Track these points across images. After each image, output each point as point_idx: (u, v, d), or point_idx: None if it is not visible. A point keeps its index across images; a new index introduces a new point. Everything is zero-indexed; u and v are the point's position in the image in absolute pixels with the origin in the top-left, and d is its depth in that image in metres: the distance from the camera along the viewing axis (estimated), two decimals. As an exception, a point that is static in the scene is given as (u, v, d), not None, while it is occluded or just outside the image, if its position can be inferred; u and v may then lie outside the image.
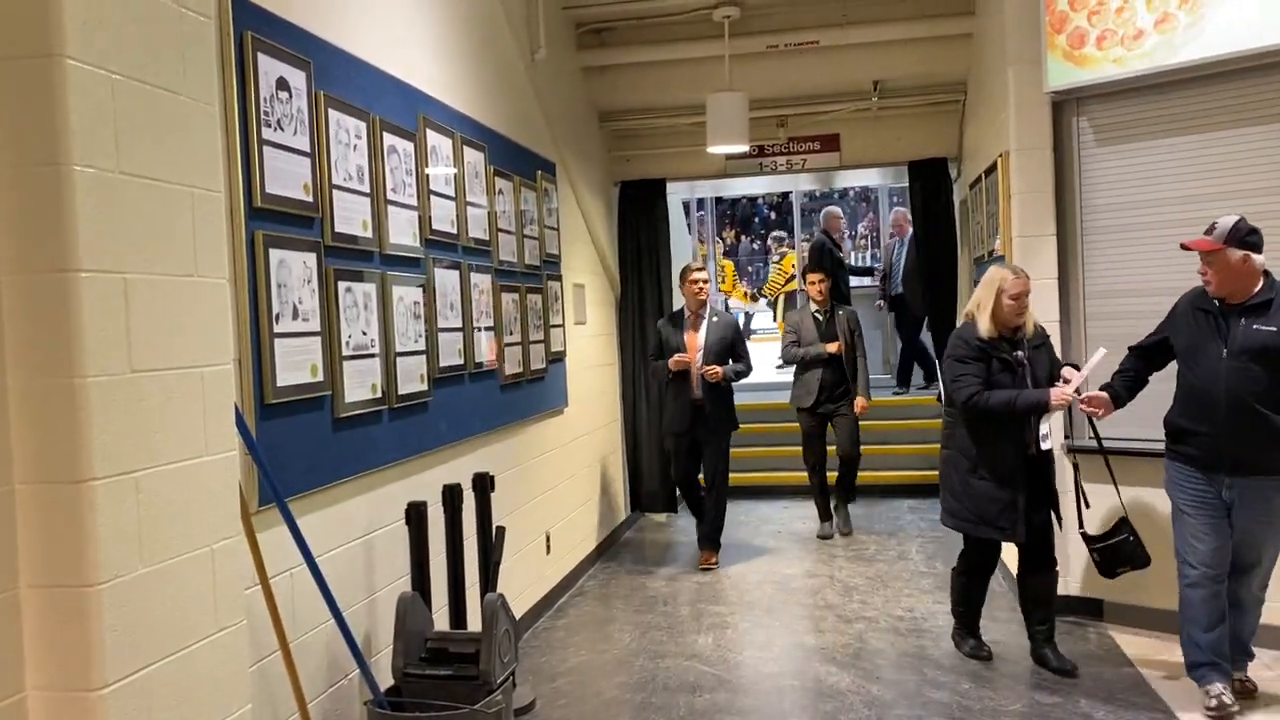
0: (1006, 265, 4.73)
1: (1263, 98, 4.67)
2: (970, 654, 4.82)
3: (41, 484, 2.10)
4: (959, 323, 7.64)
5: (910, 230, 9.78)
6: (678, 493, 7.56)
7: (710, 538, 6.79)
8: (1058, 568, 4.75)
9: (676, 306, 7.35)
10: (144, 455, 2.24)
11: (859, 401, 7.19)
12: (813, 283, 7.43)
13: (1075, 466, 4.81)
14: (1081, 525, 4.75)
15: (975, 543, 4.74)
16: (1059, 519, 4.68)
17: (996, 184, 5.64)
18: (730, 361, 6.65)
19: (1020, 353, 4.51)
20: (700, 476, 6.91)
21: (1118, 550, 4.59)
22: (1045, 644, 4.65)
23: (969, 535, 4.71)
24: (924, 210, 7.87)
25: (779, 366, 11.63)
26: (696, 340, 6.63)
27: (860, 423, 7.45)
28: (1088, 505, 4.70)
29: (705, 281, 6.75)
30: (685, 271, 6.78)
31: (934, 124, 7.72)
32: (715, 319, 6.70)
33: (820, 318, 7.27)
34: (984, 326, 4.52)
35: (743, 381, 6.98)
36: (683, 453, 6.83)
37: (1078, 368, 4.55)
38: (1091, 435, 4.72)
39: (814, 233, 14.23)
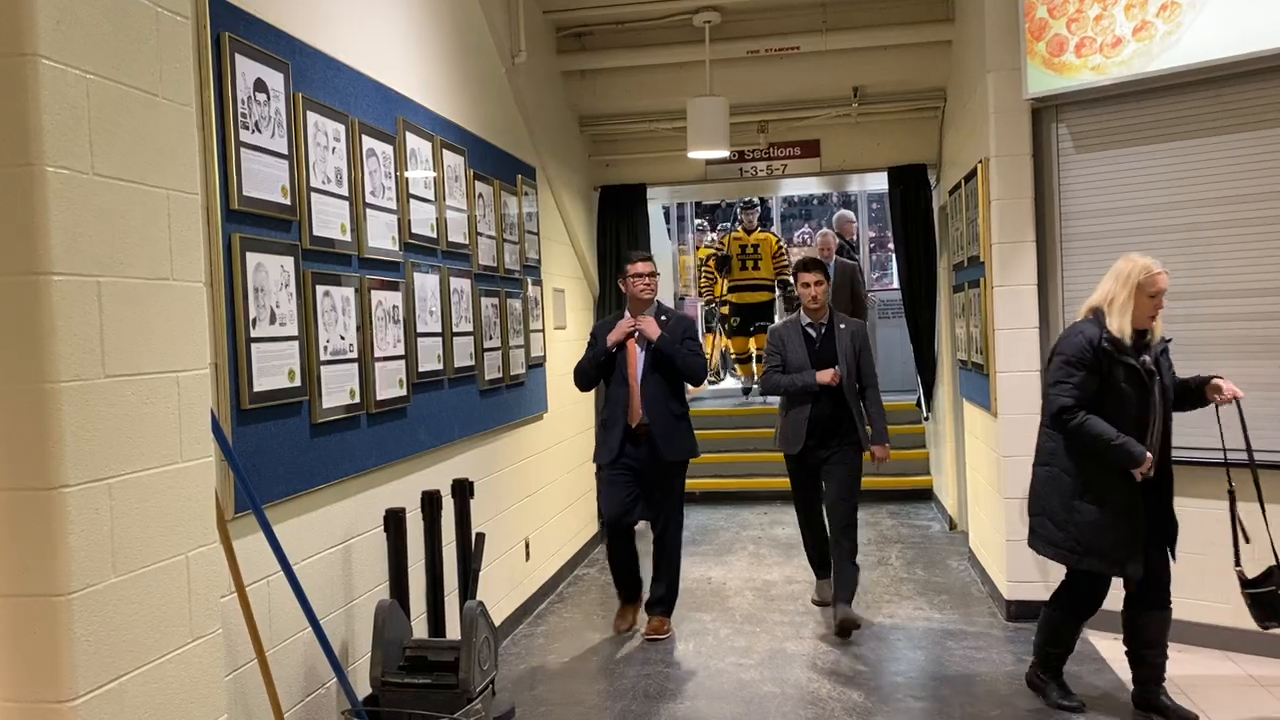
0: (1141, 255, 4.02)
1: (1240, 105, 4.70)
2: (1058, 703, 4.19)
3: (11, 491, 2.06)
4: (941, 327, 7.75)
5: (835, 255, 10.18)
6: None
7: (664, 601, 5.41)
8: (1171, 604, 4.12)
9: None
10: (117, 461, 2.20)
11: (877, 450, 5.41)
12: (805, 284, 5.54)
13: (1231, 492, 4.09)
14: (1237, 561, 4.03)
15: (1081, 576, 4.08)
16: (1173, 551, 4.08)
17: (976, 190, 5.65)
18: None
19: (1147, 358, 3.94)
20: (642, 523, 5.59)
21: (1273, 602, 3.89)
22: (1159, 691, 4.07)
23: (1073, 568, 4.09)
24: (903, 217, 7.89)
25: (746, 391, 11.18)
26: (636, 348, 5.32)
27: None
28: (1246, 538, 4.04)
29: (652, 276, 5.39)
30: (625, 264, 5.49)
31: (914, 130, 7.75)
32: (664, 318, 5.38)
33: (814, 333, 5.47)
34: (1118, 325, 3.88)
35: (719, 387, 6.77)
36: (620, 488, 5.32)
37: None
38: (1242, 447, 4.07)
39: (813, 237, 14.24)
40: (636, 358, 5.29)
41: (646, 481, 5.33)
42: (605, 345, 5.29)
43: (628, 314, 5.42)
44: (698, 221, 16.20)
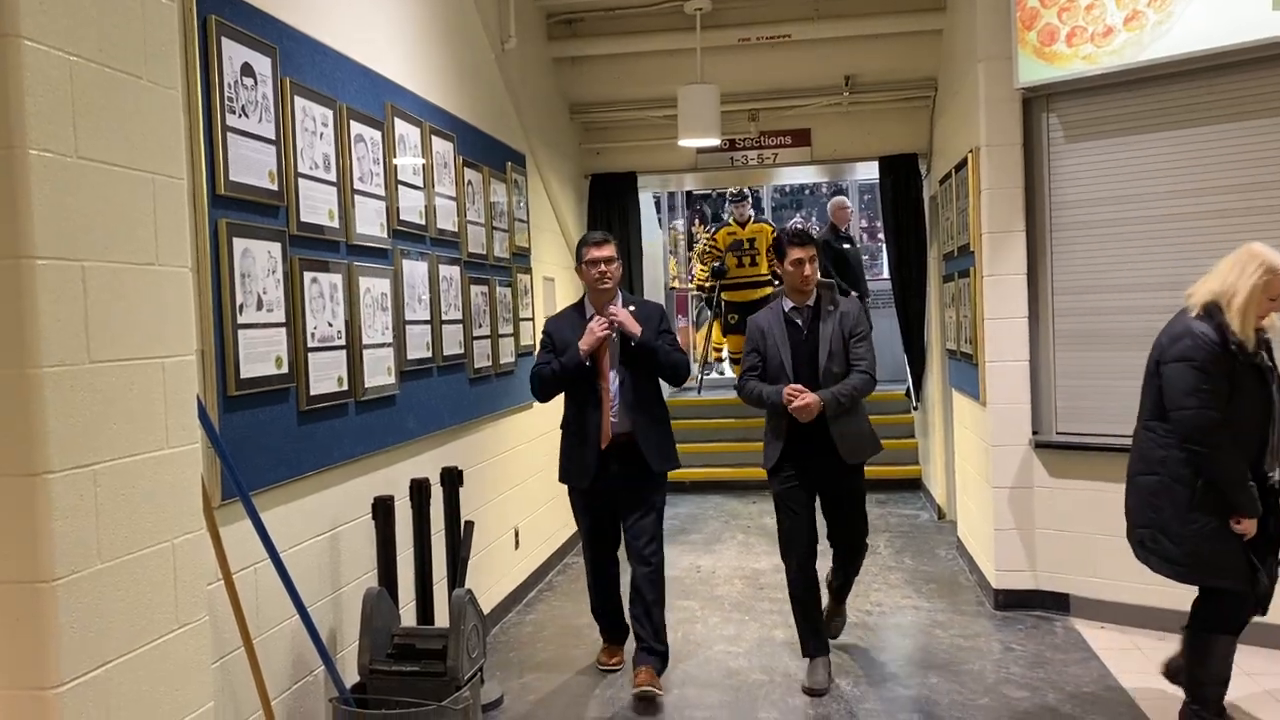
0: (1263, 247, 3.59)
1: (1230, 95, 4.71)
2: None
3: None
4: (931, 317, 7.76)
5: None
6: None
7: (654, 641, 4.46)
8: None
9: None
10: (102, 447, 2.18)
11: (808, 399, 4.19)
12: (796, 261, 4.38)
13: None
14: None
15: (1214, 595, 3.70)
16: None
17: (967, 180, 5.65)
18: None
19: (1263, 354, 3.57)
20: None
21: None
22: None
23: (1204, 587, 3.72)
24: (894, 206, 7.89)
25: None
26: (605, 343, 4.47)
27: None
28: None
29: (610, 262, 4.49)
30: (580, 248, 4.59)
31: (905, 119, 7.74)
32: (632, 309, 4.52)
33: (799, 321, 4.41)
34: (1239, 322, 3.50)
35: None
36: (603, 518, 4.64)
37: None
38: None
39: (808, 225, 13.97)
40: (607, 357, 4.47)
41: (627, 501, 4.51)
42: (576, 353, 4.39)
43: (588, 306, 4.58)
44: (679, 222, 15.60)
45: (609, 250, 4.53)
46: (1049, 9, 5.01)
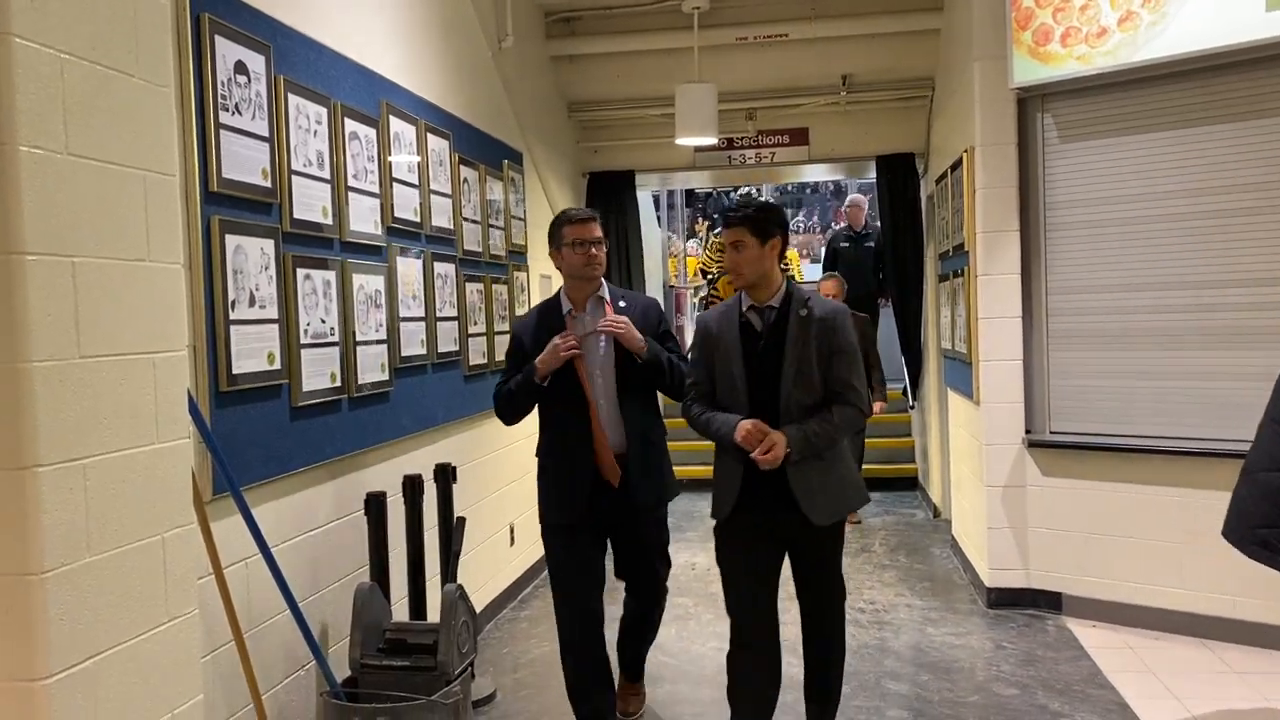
0: None
1: (1224, 96, 4.72)
2: None
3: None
4: (928, 316, 7.77)
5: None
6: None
7: (633, 663, 4.16)
8: None
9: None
10: (92, 442, 2.20)
11: (770, 447, 3.21)
12: (722, 248, 3.72)
13: None
14: None
15: None
16: None
17: (962, 179, 5.67)
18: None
19: None
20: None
21: None
22: None
23: None
24: (891, 205, 7.90)
25: None
26: (590, 343, 3.71)
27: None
28: None
29: (598, 244, 3.69)
30: (559, 227, 3.75)
31: (902, 119, 7.76)
32: (624, 304, 3.78)
33: (757, 323, 3.38)
34: None
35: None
36: (590, 560, 3.79)
37: None
38: None
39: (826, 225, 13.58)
40: (590, 364, 3.69)
41: (622, 539, 3.85)
42: (532, 370, 3.64)
43: (564, 301, 3.78)
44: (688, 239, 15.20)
45: (595, 230, 3.69)
46: (1044, 9, 5.03)
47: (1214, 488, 4.72)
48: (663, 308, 4.08)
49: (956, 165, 5.89)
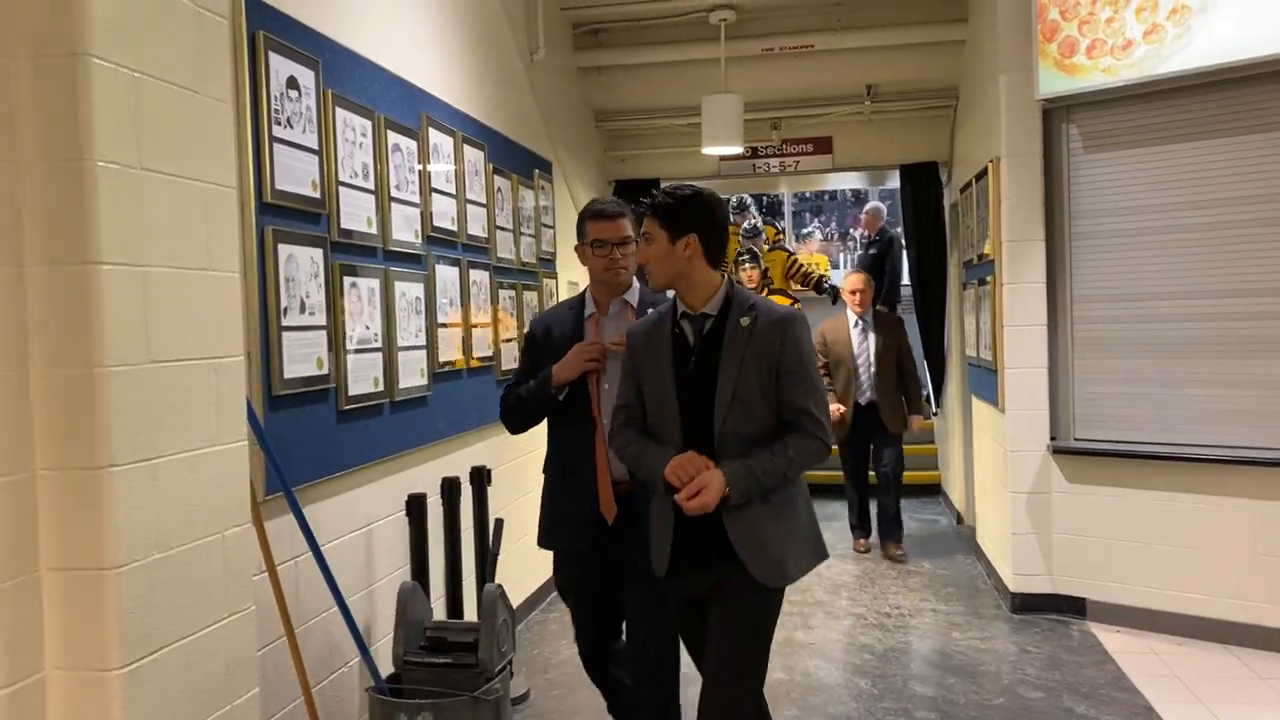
0: None
1: (1248, 108, 4.77)
2: None
3: (63, 470, 2.17)
4: (951, 324, 7.81)
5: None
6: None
7: None
8: None
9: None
10: (161, 443, 2.31)
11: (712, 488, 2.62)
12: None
13: None
14: None
15: None
16: None
17: (987, 189, 5.73)
18: None
19: None
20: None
21: None
22: None
23: None
24: (915, 213, 7.96)
25: None
26: (610, 355, 3.19)
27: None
28: None
29: (625, 244, 3.20)
30: (584, 221, 3.28)
31: (926, 128, 7.82)
32: (651, 313, 2.98)
33: (690, 334, 2.80)
34: None
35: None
36: (589, 597, 3.37)
37: None
38: None
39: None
40: (605, 378, 3.21)
41: (634, 576, 3.15)
42: (548, 376, 3.23)
43: (589, 302, 3.33)
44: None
45: (623, 228, 3.19)
46: (1069, 22, 5.09)
47: (1239, 495, 4.78)
48: None
49: (981, 175, 5.95)
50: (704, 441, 2.69)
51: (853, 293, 6.75)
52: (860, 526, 7.02)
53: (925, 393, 8.26)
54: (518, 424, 3.47)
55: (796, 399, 2.68)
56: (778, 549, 2.71)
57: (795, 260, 8.96)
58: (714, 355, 2.72)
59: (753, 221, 9.53)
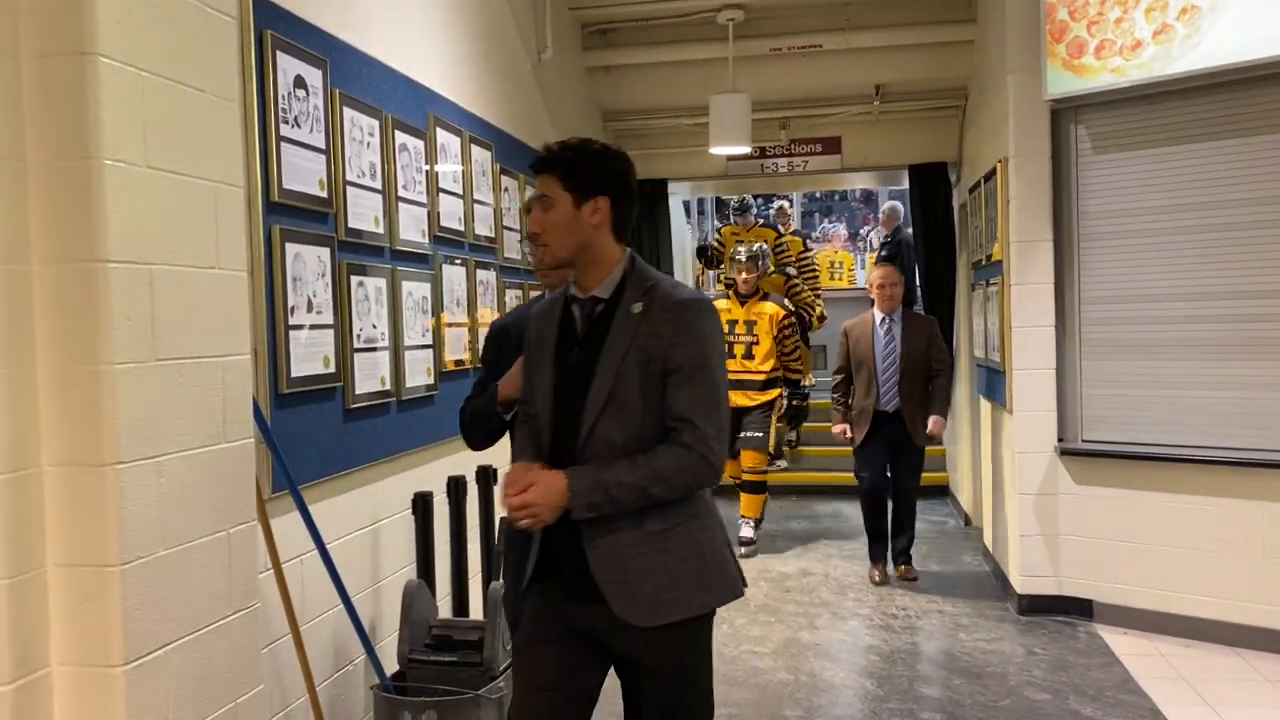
0: None
1: (1258, 109, 4.75)
2: None
3: (69, 466, 2.18)
4: (960, 324, 7.80)
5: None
6: None
7: None
8: None
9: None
10: (166, 441, 2.32)
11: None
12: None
13: None
14: None
15: None
16: None
17: (995, 189, 5.72)
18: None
19: None
20: None
21: None
22: None
23: None
24: (923, 214, 7.95)
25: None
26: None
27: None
28: None
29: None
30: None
31: (935, 129, 7.81)
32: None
33: (579, 318, 2.36)
34: None
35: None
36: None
37: None
38: None
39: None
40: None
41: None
42: (495, 393, 2.85)
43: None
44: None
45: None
46: (1078, 22, 5.08)
47: (1247, 497, 4.76)
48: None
49: (990, 175, 5.94)
50: (565, 452, 2.28)
51: (879, 287, 6.03)
52: (877, 552, 6.23)
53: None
54: (474, 440, 3.06)
55: (678, 403, 2.21)
56: (650, 585, 2.22)
57: (787, 325, 7.13)
58: (598, 347, 2.26)
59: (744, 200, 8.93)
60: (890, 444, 6.02)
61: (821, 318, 8.95)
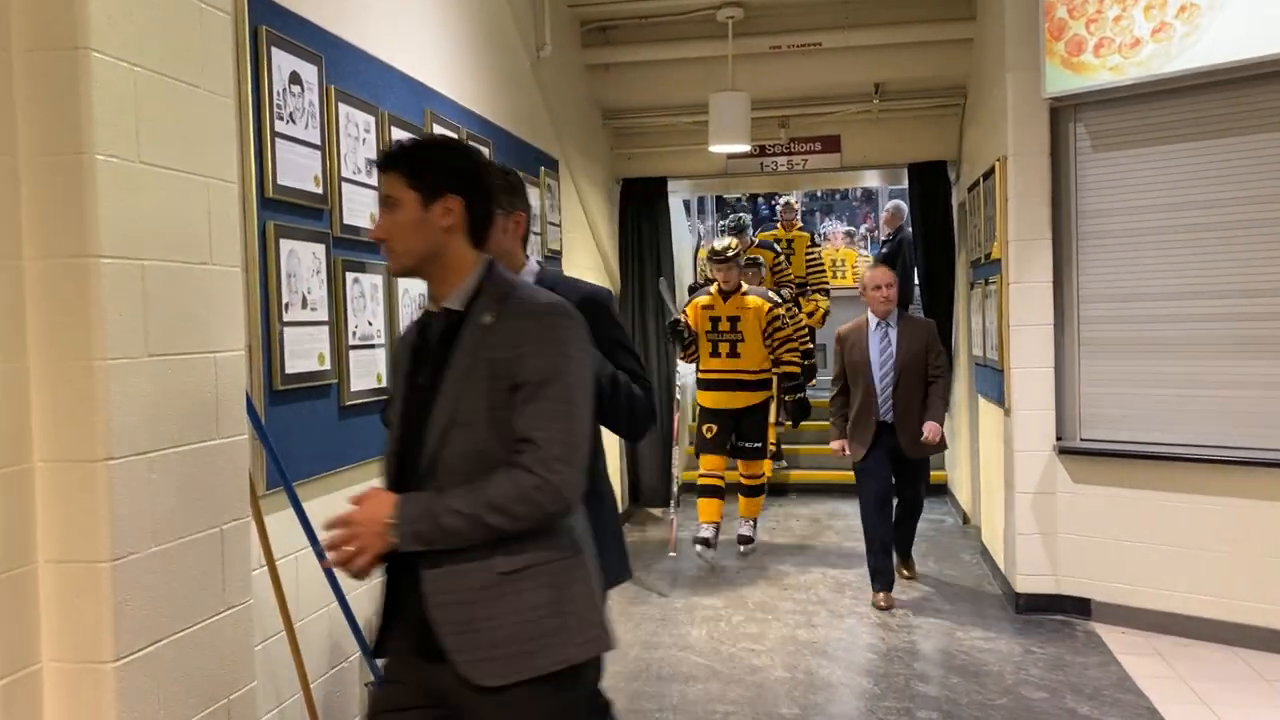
0: None
1: (1257, 107, 4.74)
2: None
3: (60, 462, 2.17)
4: (958, 323, 7.79)
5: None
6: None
7: None
8: None
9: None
10: (159, 437, 2.31)
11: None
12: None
13: None
14: None
15: None
16: None
17: (994, 188, 5.71)
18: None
19: None
20: None
21: None
22: None
23: None
24: (923, 213, 7.94)
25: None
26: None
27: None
28: None
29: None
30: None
31: (934, 127, 7.79)
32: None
33: (430, 335, 2.12)
34: None
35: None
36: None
37: None
38: None
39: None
40: None
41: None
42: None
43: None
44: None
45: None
46: (1077, 20, 5.07)
47: (1245, 496, 4.75)
48: (612, 304, 2.83)
49: (989, 174, 5.93)
50: (408, 476, 2.03)
51: (874, 289, 5.60)
52: (881, 576, 5.68)
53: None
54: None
55: (521, 421, 1.92)
56: (498, 636, 1.93)
57: (776, 317, 6.68)
58: (442, 358, 2.03)
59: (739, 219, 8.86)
60: (893, 454, 5.61)
61: (826, 313, 8.97)
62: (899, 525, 5.96)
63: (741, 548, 6.86)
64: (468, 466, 1.94)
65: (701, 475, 6.79)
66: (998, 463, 5.99)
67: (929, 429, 5.51)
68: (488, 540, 1.92)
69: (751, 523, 7.04)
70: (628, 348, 2.76)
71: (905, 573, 6.15)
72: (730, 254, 6.60)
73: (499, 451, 1.93)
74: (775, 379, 7.03)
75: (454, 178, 2.03)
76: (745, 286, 6.74)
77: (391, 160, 2.04)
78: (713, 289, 6.75)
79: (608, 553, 2.38)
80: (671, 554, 6.56)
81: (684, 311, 6.74)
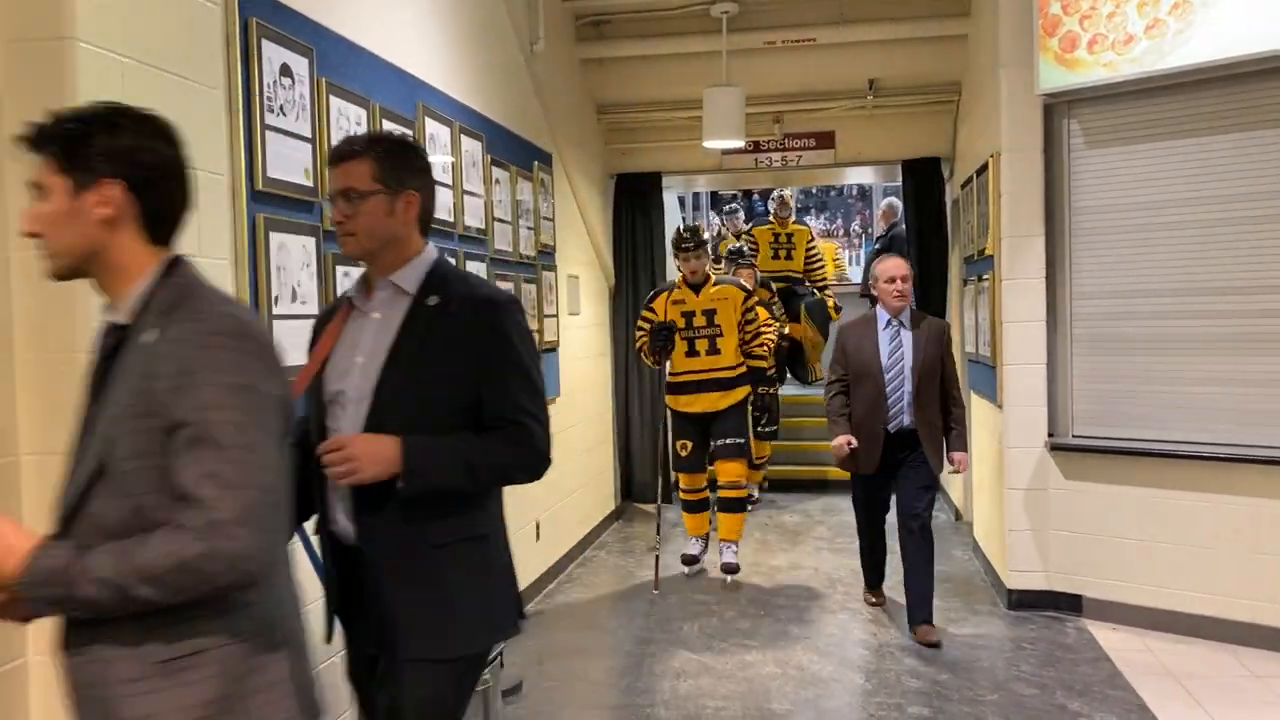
0: None
1: (1250, 104, 4.75)
2: None
3: (47, 455, 2.16)
4: (952, 320, 7.79)
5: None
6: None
7: None
8: None
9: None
10: (146, 430, 2.30)
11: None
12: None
13: None
14: None
15: None
16: None
17: (988, 184, 5.71)
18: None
19: None
20: None
21: None
22: None
23: None
24: (917, 209, 7.94)
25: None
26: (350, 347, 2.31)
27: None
28: None
29: (350, 199, 2.18)
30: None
31: (928, 123, 7.79)
32: (436, 300, 2.22)
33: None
34: None
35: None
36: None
37: None
38: None
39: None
40: (341, 386, 2.32)
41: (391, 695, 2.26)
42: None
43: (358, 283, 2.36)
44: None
45: (351, 172, 2.17)
46: (1071, 16, 5.07)
47: (1236, 492, 4.76)
48: (516, 308, 2.31)
49: (982, 170, 5.93)
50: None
51: (889, 281, 4.98)
52: (874, 578, 5.63)
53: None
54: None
55: (184, 475, 1.51)
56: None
57: (751, 308, 6.25)
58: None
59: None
60: (898, 469, 5.06)
61: (837, 308, 8.95)
62: (910, 568, 5.08)
63: (728, 578, 6.13)
64: (121, 529, 1.53)
65: (683, 491, 6.44)
66: (990, 459, 6.00)
67: (960, 460, 5.08)
68: (140, 615, 1.51)
69: (733, 547, 6.23)
70: (524, 372, 2.23)
71: (925, 635, 4.96)
72: (696, 241, 6.06)
73: (160, 510, 1.52)
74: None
75: (112, 158, 1.61)
76: (713, 276, 6.32)
77: (38, 140, 1.62)
78: (678, 280, 6.27)
79: (497, 601, 2.24)
80: (655, 591, 5.91)
81: (651, 311, 6.25)
